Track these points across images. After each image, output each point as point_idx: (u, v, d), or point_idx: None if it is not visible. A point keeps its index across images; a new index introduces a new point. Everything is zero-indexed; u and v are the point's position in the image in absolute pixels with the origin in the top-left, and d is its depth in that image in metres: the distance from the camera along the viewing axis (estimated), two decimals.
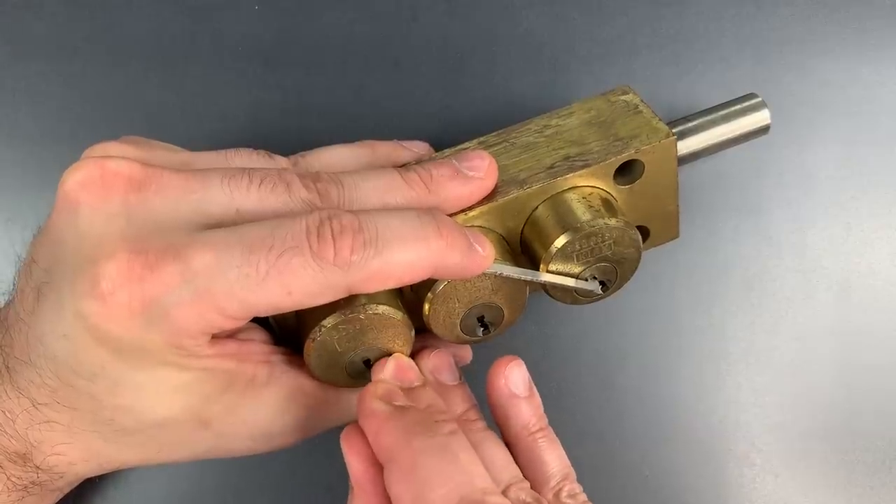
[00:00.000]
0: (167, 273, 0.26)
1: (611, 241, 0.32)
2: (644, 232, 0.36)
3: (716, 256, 0.41)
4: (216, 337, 0.29)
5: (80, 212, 0.27)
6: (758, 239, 0.41)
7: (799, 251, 0.42)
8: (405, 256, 0.27)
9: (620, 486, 0.42)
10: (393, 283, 0.28)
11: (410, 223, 0.28)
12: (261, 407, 0.31)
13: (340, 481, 0.30)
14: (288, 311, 0.27)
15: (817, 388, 0.42)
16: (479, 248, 0.29)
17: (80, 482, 0.32)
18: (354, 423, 0.30)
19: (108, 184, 0.27)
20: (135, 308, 0.26)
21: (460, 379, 0.33)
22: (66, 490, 0.32)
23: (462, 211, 0.32)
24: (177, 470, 0.40)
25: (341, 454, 0.29)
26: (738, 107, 0.36)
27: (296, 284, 0.26)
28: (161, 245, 0.26)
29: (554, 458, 0.31)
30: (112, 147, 0.29)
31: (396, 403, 0.29)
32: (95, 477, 0.33)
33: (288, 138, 0.39)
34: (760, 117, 0.36)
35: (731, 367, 0.42)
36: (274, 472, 0.40)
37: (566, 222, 0.32)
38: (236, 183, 0.29)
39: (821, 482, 0.42)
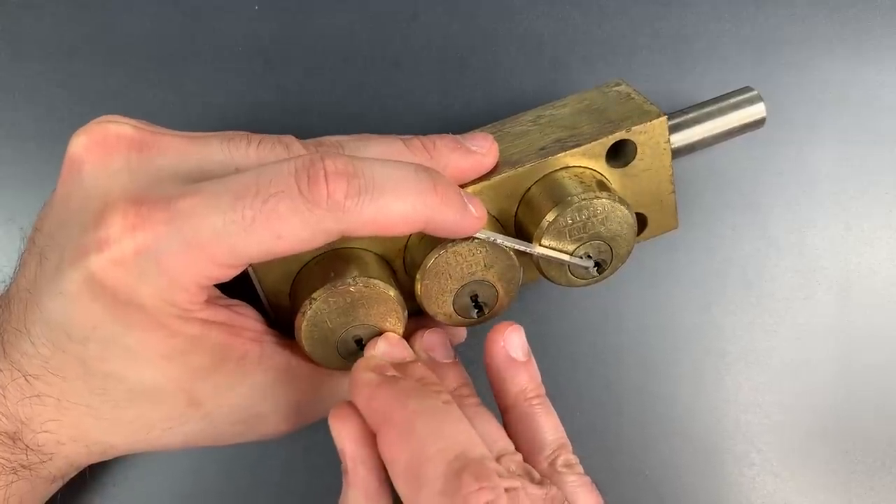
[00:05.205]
0: (158, 222, 0.26)
1: (603, 217, 0.32)
2: (642, 220, 0.36)
3: (715, 255, 0.41)
4: (210, 301, 0.29)
5: (85, 170, 0.28)
6: (757, 238, 0.41)
7: (798, 251, 0.42)
8: (400, 206, 0.27)
9: (620, 485, 0.42)
10: (386, 232, 0.28)
11: (407, 174, 0.28)
12: (252, 387, 0.31)
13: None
14: (284, 255, 0.27)
15: (817, 388, 0.42)
16: (473, 209, 0.29)
17: (71, 474, 0.32)
18: (343, 401, 0.30)
19: (111, 144, 0.28)
20: (128, 258, 0.26)
21: (454, 358, 0.33)
22: (59, 480, 0.32)
23: None
24: (175, 470, 0.40)
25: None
26: (733, 100, 0.37)
27: (285, 229, 0.26)
28: (156, 197, 0.27)
29: (550, 427, 0.31)
30: (116, 116, 0.30)
31: (388, 374, 0.29)
32: (86, 472, 0.33)
33: None
34: (756, 110, 0.36)
35: (731, 366, 0.42)
36: (273, 471, 0.40)
37: (558, 196, 0.32)
38: (235, 144, 0.29)
39: (821, 482, 0.42)
